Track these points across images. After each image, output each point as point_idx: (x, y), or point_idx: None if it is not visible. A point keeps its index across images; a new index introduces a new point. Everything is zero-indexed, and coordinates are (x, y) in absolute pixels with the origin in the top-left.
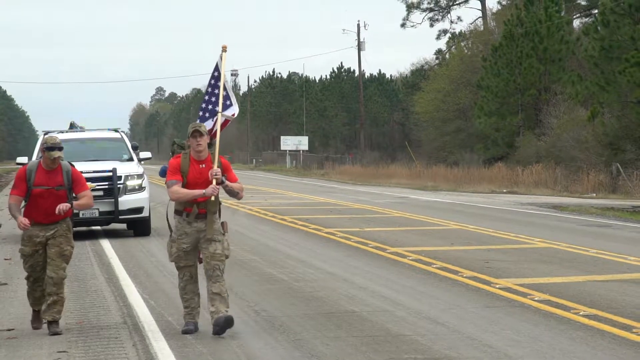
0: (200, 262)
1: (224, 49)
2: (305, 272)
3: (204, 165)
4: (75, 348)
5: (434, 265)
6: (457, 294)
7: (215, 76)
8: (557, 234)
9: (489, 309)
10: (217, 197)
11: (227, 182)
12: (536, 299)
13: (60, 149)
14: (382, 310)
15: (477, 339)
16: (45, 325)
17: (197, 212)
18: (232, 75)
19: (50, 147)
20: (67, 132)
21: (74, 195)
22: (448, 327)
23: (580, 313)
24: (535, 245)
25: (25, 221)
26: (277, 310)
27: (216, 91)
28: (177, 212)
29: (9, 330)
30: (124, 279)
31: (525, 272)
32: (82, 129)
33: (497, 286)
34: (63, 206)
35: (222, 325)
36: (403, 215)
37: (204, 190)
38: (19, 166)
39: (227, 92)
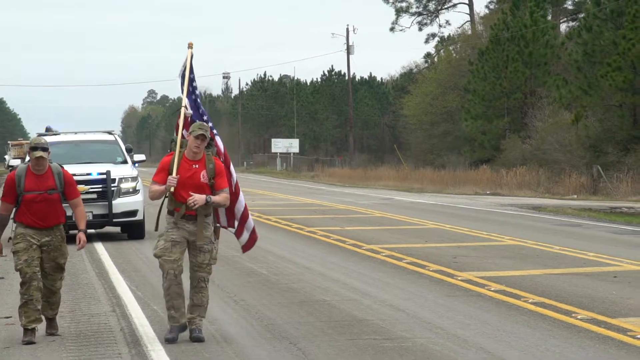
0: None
1: (190, 46)
2: (284, 266)
3: (197, 166)
4: (68, 332)
5: (405, 261)
6: (421, 285)
7: (191, 77)
8: (528, 233)
9: (447, 297)
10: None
11: (212, 200)
12: (492, 289)
13: (44, 149)
14: (350, 299)
15: (432, 323)
16: (37, 335)
17: (184, 212)
18: (224, 77)
19: (34, 147)
20: (61, 134)
21: (65, 199)
22: (408, 313)
23: (529, 301)
24: (504, 243)
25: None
26: (254, 299)
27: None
28: (169, 212)
29: (7, 317)
30: (113, 273)
31: (488, 266)
32: (56, 133)
33: (459, 278)
34: (82, 242)
35: (193, 340)
36: (384, 215)
37: (165, 185)
38: (10, 169)
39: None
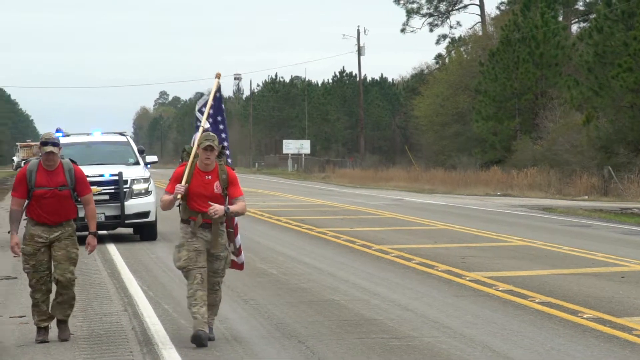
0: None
1: (218, 76)
2: (294, 267)
3: (210, 177)
4: (81, 331)
5: (413, 261)
6: (430, 285)
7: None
8: (537, 234)
9: (456, 297)
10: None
11: (231, 210)
12: (500, 289)
13: (55, 144)
14: (359, 299)
15: (439, 322)
16: (50, 334)
17: (202, 221)
18: (235, 79)
19: (44, 142)
20: (74, 135)
21: (77, 196)
22: (416, 312)
23: (536, 300)
24: (513, 244)
25: (17, 249)
26: (264, 299)
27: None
28: (183, 221)
29: (21, 317)
30: (125, 273)
31: (496, 266)
32: (66, 135)
33: (468, 278)
34: (91, 247)
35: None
36: (394, 216)
37: (173, 194)
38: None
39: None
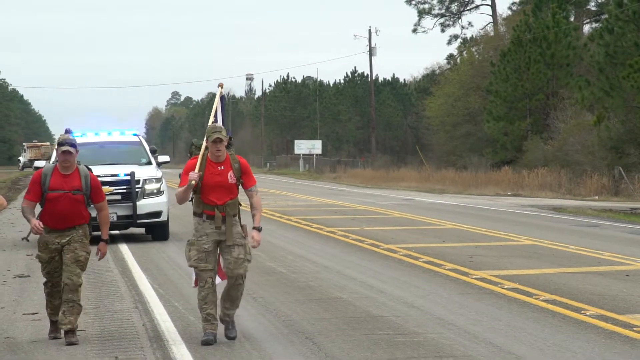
0: (223, 278)
1: (221, 86)
2: (303, 265)
3: (222, 167)
4: (92, 327)
5: (421, 260)
6: (436, 283)
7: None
8: (545, 233)
9: (461, 295)
10: (236, 199)
11: (260, 225)
12: (505, 287)
13: (71, 145)
14: (366, 297)
15: (444, 319)
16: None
17: (220, 215)
18: (247, 79)
19: (61, 143)
20: (85, 135)
21: (91, 203)
22: (422, 310)
23: (541, 298)
24: (521, 243)
25: (39, 225)
26: (272, 297)
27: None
28: (196, 214)
29: (34, 314)
30: (136, 271)
31: (503, 265)
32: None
33: (474, 277)
34: (102, 254)
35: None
36: (404, 216)
37: (189, 183)
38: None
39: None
